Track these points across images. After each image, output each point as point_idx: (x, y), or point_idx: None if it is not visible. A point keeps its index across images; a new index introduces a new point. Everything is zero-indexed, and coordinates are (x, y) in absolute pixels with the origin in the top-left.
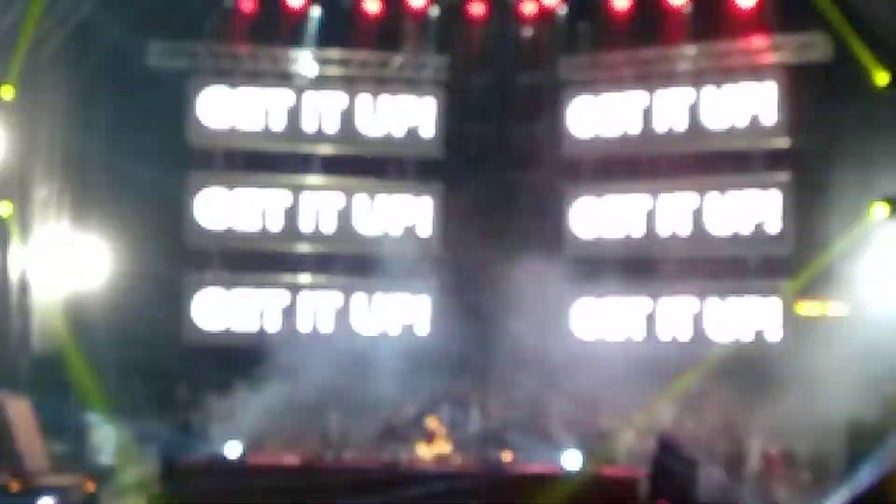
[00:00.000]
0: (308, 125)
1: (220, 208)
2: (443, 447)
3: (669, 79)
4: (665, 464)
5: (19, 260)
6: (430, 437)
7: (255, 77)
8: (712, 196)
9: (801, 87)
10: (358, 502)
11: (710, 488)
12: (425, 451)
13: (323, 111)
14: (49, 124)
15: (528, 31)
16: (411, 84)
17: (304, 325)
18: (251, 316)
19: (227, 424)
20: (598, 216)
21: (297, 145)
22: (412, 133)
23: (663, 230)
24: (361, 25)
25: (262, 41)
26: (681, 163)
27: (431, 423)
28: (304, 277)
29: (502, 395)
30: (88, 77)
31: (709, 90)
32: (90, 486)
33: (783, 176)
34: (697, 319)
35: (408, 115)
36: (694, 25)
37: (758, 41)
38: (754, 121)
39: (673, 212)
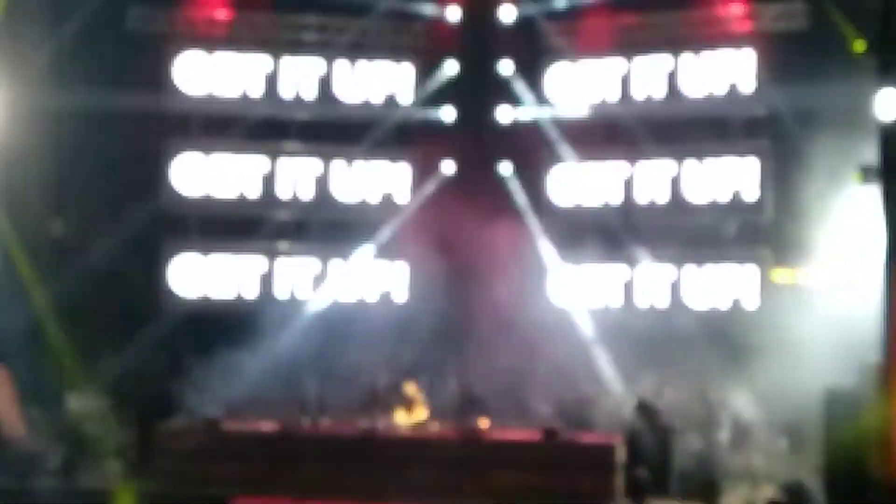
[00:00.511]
0: (285, 91)
1: (197, 174)
2: (420, 414)
3: (647, 46)
4: (641, 431)
5: None
6: (407, 404)
7: (233, 43)
8: (690, 164)
9: (779, 54)
10: (335, 469)
11: (686, 455)
12: (403, 418)
13: (300, 77)
14: (25, 86)
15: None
16: (390, 50)
17: (281, 292)
18: (228, 283)
19: (204, 391)
20: (577, 184)
21: (275, 111)
22: (391, 99)
23: (641, 198)
24: None
25: (240, 7)
26: (659, 130)
27: (409, 389)
28: (282, 244)
29: (480, 363)
30: (67, 40)
31: (687, 57)
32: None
33: (760, 144)
34: (675, 287)
35: (386, 81)
36: None
37: (736, 9)
38: (732, 89)
39: (651, 179)
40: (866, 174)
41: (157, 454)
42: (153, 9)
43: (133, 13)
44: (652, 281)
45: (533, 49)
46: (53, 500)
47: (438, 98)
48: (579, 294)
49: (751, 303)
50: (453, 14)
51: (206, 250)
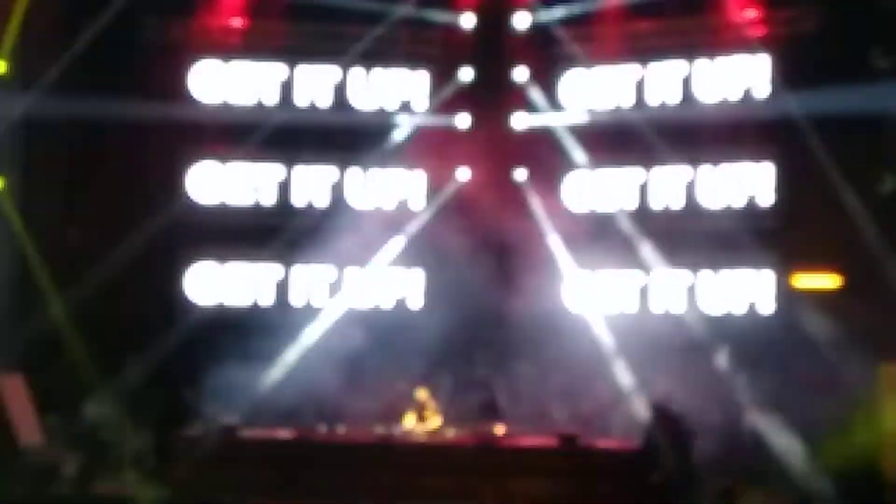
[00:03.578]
0: (301, 99)
1: (213, 183)
2: (434, 421)
3: (662, 52)
4: (660, 436)
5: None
6: (421, 411)
7: (249, 51)
8: (705, 169)
9: (794, 59)
10: (351, 475)
11: (704, 460)
12: (417, 425)
13: (315, 85)
14: (42, 95)
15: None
16: (405, 57)
17: (297, 300)
18: (244, 290)
19: (221, 399)
20: (592, 190)
21: (290, 119)
22: (406, 106)
23: (656, 203)
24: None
25: (255, 15)
26: (673, 136)
27: (421, 395)
28: (298, 252)
29: (496, 369)
30: (82, 50)
31: (701, 63)
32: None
33: (776, 148)
34: (690, 292)
35: (402, 88)
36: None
37: (750, 14)
38: (747, 93)
39: (665, 185)
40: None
41: (173, 461)
42: (168, 18)
43: (148, 23)
44: (667, 286)
45: (547, 55)
46: None
47: (453, 105)
48: (595, 299)
49: (766, 307)
50: (468, 21)
51: (221, 258)
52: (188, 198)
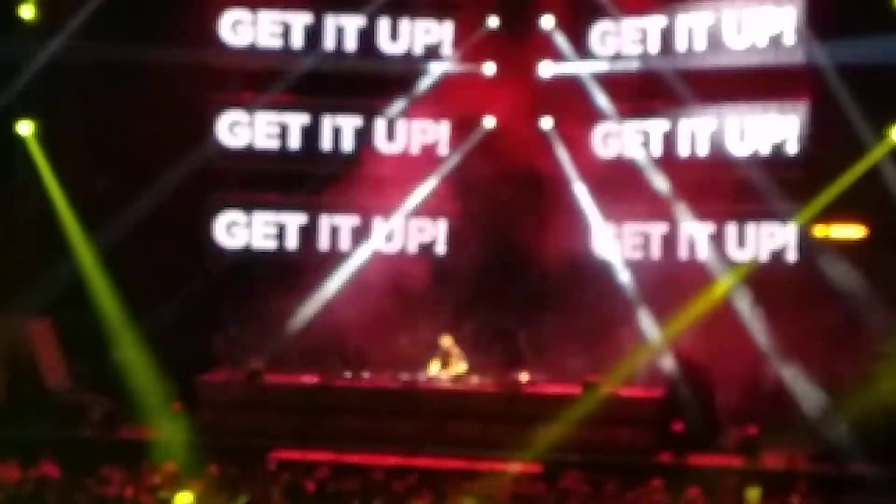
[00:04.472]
0: (327, 46)
1: (239, 128)
2: (458, 367)
3: (689, 3)
4: (683, 385)
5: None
6: (445, 357)
7: (277, 2)
8: (731, 118)
9: (821, 8)
10: (375, 422)
11: (727, 409)
12: (441, 371)
13: (342, 33)
14: (68, 40)
15: None
16: (432, 7)
17: (322, 244)
18: (270, 235)
19: (246, 344)
20: (617, 138)
21: (317, 65)
22: (432, 53)
23: (682, 151)
24: None
25: None
26: (699, 84)
27: (446, 342)
28: (324, 198)
29: (521, 315)
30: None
31: (728, 13)
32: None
33: (802, 97)
34: (715, 241)
35: (428, 37)
36: None
37: None
38: (773, 42)
39: (691, 133)
40: None
41: (198, 406)
42: None
43: None
44: (692, 234)
45: (575, 4)
46: (97, 450)
47: (479, 52)
48: (619, 246)
49: (791, 257)
50: None
51: (248, 203)
52: (216, 142)
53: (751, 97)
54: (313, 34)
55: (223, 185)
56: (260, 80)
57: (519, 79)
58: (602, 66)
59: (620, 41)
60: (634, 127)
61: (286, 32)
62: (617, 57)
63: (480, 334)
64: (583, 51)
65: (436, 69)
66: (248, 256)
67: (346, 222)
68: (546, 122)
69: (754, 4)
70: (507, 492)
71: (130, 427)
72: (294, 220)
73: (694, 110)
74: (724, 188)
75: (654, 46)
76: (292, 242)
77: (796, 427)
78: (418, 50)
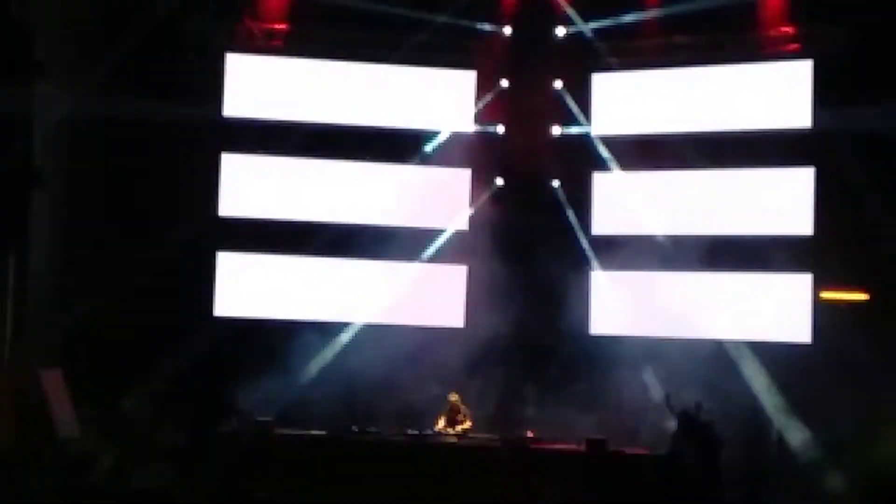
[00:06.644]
0: (339, 103)
1: (250, 184)
2: (465, 423)
3: (697, 65)
4: (687, 444)
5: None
6: (453, 414)
7: (291, 54)
8: (736, 183)
9: (829, 75)
10: (382, 475)
11: (730, 470)
12: (448, 427)
13: (355, 89)
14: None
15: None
16: (446, 64)
17: (331, 307)
18: (279, 295)
19: (255, 398)
20: (623, 207)
21: (328, 123)
22: (445, 114)
23: (688, 221)
24: None
25: (297, 21)
26: (706, 149)
27: (453, 398)
28: (332, 259)
29: (528, 374)
30: (127, 51)
31: (735, 78)
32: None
33: (809, 163)
34: (721, 304)
35: (441, 95)
36: (722, 14)
37: (786, 29)
38: (780, 108)
39: (695, 197)
40: None
41: (208, 456)
42: (210, 21)
43: (190, 25)
44: (695, 298)
45: (584, 66)
46: (106, 500)
47: (490, 112)
48: (625, 313)
49: (798, 324)
50: (507, 30)
51: (257, 263)
52: (226, 200)
53: (757, 160)
54: (325, 91)
55: (231, 242)
56: (271, 136)
57: (528, 138)
58: (609, 127)
59: (629, 103)
60: (640, 192)
61: (298, 90)
62: (625, 121)
63: (487, 391)
64: (590, 112)
65: (446, 128)
66: (253, 322)
67: (355, 284)
68: (555, 182)
69: (762, 67)
70: None
71: (140, 477)
72: (303, 283)
73: (700, 173)
74: (730, 256)
75: (662, 109)
76: (301, 308)
77: (800, 487)
78: (431, 109)
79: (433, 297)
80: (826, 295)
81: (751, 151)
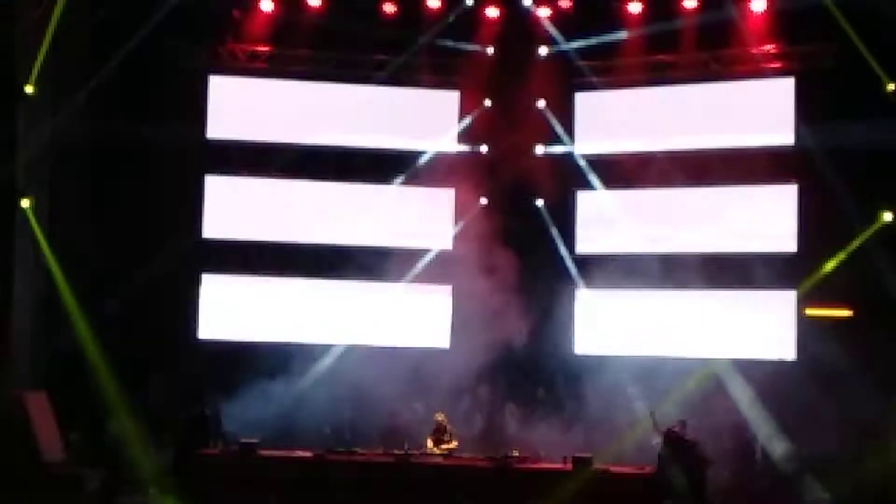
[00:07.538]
0: (323, 124)
1: (233, 206)
2: (451, 443)
3: (680, 83)
4: (673, 462)
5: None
6: (438, 433)
7: (274, 76)
8: (721, 200)
9: (812, 93)
10: (368, 495)
11: (717, 488)
12: (434, 447)
13: (339, 110)
14: (70, 120)
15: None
16: (429, 85)
17: (316, 329)
18: (263, 317)
19: (240, 419)
20: (607, 227)
21: (312, 143)
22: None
23: (669, 233)
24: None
25: (280, 42)
26: (689, 166)
27: (439, 417)
28: (317, 280)
29: (513, 392)
30: (110, 74)
31: (719, 96)
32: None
33: (791, 180)
34: (705, 322)
35: (424, 114)
36: (705, 32)
37: (769, 48)
38: (763, 126)
39: (680, 215)
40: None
41: (194, 479)
42: (193, 43)
43: (173, 48)
44: (683, 316)
45: (567, 85)
46: None
47: (474, 132)
48: (610, 331)
49: (783, 340)
50: (490, 50)
51: (240, 283)
52: (209, 221)
53: (741, 178)
54: (309, 112)
55: (215, 264)
56: (255, 157)
57: (512, 157)
58: (592, 146)
59: (612, 121)
60: (625, 210)
61: (282, 111)
62: (608, 139)
63: (473, 411)
64: (574, 131)
65: (430, 148)
66: (237, 344)
67: (340, 305)
68: (539, 202)
69: (745, 85)
70: None
71: (126, 499)
72: (286, 305)
73: (683, 191)
74: (714, 268)
75: (645, 127)
76: (286, 330)
77: (785, 502)
78: (415, 129)
79: (418, 317)
80: (810, 311)
81: (734, 169)
